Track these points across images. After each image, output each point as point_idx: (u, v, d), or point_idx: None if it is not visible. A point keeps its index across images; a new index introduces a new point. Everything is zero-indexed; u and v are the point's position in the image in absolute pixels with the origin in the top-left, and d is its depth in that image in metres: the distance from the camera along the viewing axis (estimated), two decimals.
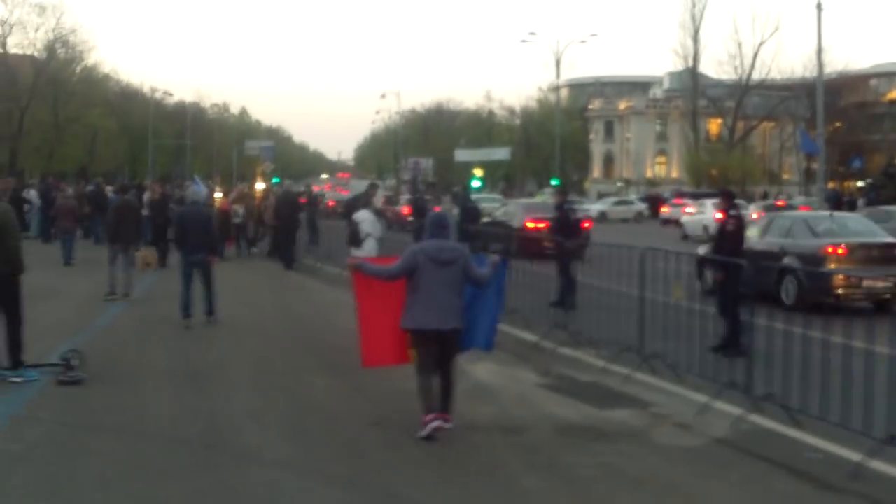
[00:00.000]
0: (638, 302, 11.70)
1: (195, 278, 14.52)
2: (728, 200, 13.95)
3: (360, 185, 52.06)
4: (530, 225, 28.26)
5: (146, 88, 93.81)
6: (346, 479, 7.24)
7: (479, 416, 9.10)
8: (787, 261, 16.90)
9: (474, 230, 21.92)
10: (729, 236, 13.29)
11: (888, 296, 16.12)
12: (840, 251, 16.90)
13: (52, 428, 8.49)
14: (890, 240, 18.11)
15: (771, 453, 7.94)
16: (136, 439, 8.17)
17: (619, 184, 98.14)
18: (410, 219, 37.96)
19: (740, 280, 11.13)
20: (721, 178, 73.06)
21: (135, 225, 17.83)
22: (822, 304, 14.66)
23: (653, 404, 9.65)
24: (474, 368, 11.08)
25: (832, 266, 16.52)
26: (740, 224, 13.46)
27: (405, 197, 49.69)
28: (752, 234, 17.96)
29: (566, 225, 17.80)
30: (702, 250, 19.45)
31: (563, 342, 12.82)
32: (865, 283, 16.23)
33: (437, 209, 32.19)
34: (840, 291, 16.02)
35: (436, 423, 8.23)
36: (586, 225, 28.18)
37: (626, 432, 8.61)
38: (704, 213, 41.92)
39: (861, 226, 19.15)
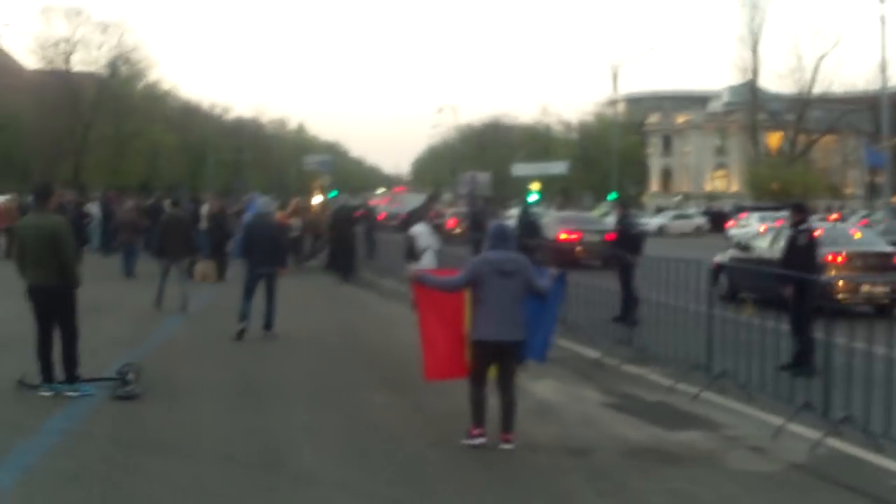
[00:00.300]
0: (706, 318, 11.32)
1: (258, 290, 14.41)
2: (799, 214, 13.47)
3: (413, 199, 51.94)
4: (563, 236, 29.45)
5: (206, 104, 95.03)
6: (405, 503, 6.97)
7: (542, 437, 8.77)
8: None
9: (534, 244, 21.68)
10: (800, 251, 12.82)
11: (886, 301, 17.40)
12: (839, 259, 18.02)
13: (106, 445, 8.29)
14: (887, 249, 19.32)
15: (852, 480, 7.52)
16: (190, 458, 7.96)
17: (677, 197, 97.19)
18: (456, 231, 38.20)
19: (813, 295, 10.81)
20: (782, 192, 71.96)
21: (182, 238, 17.69)
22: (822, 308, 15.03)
23: (724, 426, 9.25)
24: (535, 386, 10.78)
25: (832, 273, 17.44)
26: (812, 239, 12.99)
27: (452, 210, 49.43)
28: (763, 244, 20.06)
29: (628, 239, 17.42)
30: (718, 258, 20.57)
31: (627, 359, 12.46)
32: (865, 289, 17.54)
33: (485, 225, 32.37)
34: (840, 296, 16.66)
35: (481, 441, 8.28)
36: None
37: (698, 456, 8.23)
38: (749, 227, 41.96)
39: (861, 236, 20.80)
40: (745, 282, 18.36)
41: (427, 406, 9.86)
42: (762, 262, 18.72)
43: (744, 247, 21.40)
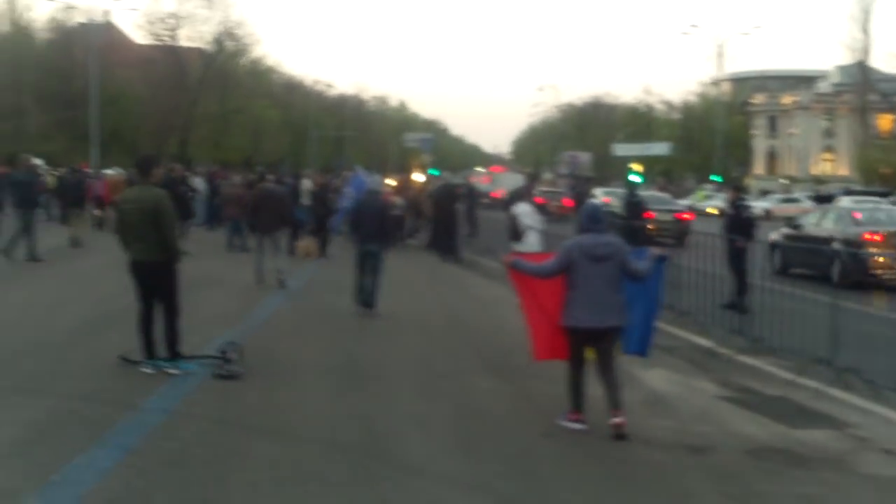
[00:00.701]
0: (829, 308, 10.71)
1: (367, 267, 14.38)
2: None
3: (511, 179, 51.59)
4: None
5: (308, 81, 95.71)
6: (516, 499, 6.61)
7: (657, 431, 8.34)
8: (835, 245, 19.58)
9: (640, 226, 21.15)
10: None
11: None
12: (877, 237, 19.72)
13: (207, 426, 8.08)
14: None
15: None
16: (292, 443, 7.70)
17: (782, 181, 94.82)
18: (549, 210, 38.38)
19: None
20: (893, 176, 69.52)
21: (274, 213, 17.51)
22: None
23: (852, 425, 8.68)
24: (647, 376, 10.35)
25: (871, 251, 19.28)
26: None
27: (543, 189, 48.87)
28: (811, 222, 22.86)
29: (741, 223, 16.75)
30: (773, 236, 22.38)
31: (741, 349, 11.86)
32: None
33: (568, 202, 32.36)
34: (878, 271, 18.18)
35: (580, 427, 8.17)
36: (686, 216, 32.35)
37: (827, 458, 7.71)
38: None
39: None
40: (795, 258, 20.68)
41: (535, 394, 9.50)
42: (809, 239, 21.54)
43: (795, 225, 23.58)
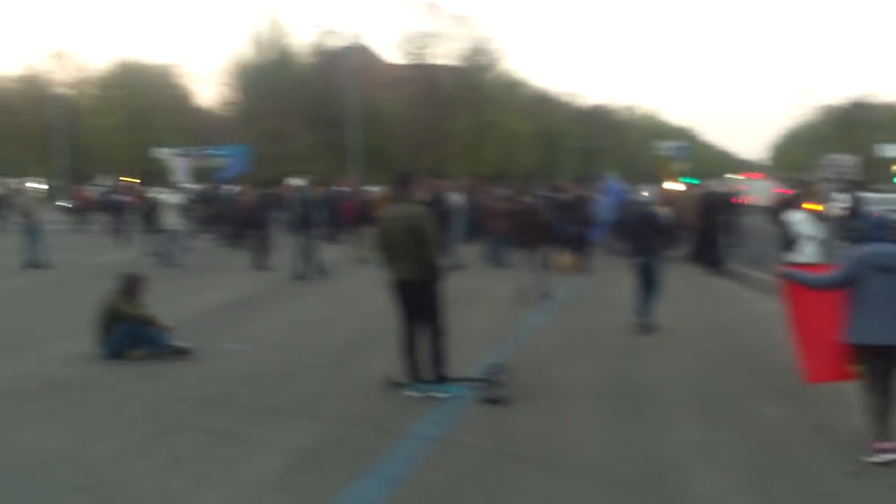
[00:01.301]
0: None
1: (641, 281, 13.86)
2: None
3: (762, 185, 49.39)
4: None
5: (558, 93, 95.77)
6: None
7: None
8: None
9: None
10: None
11: None
12: None
13: (477, 456, 7.64)
14: None
15: None
16: (568, 476, 7.14)
17: None
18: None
19: None
20: None
21: (533, 227, 17.13)
22: None
23: None
24: None
25: None
26: None
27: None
28: None
29: None
30: None
31: None
32: None
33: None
34: None
35: (893, 457, 7.24)
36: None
37: None
38: None
39: None
40: None
41: (831, 424, 8.53)
42: None
43: None
